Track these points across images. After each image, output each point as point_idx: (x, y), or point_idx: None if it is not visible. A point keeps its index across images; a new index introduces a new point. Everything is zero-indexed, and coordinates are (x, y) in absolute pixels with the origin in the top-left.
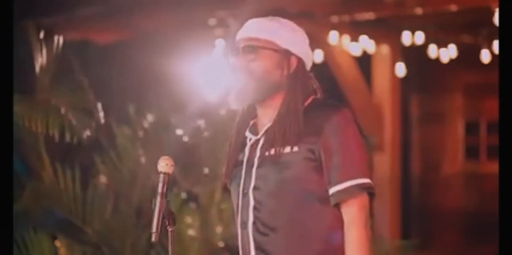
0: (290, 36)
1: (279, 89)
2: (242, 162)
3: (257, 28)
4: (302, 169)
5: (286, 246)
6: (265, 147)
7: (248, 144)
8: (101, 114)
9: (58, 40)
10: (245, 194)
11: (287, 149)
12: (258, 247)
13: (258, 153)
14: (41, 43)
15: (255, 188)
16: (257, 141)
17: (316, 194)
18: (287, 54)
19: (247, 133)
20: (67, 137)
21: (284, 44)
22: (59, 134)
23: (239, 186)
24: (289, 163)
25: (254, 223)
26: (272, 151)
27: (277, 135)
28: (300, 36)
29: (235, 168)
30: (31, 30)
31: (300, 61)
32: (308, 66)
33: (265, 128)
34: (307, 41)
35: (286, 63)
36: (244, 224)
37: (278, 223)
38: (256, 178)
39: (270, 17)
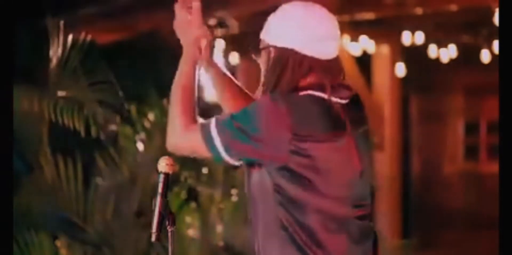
0: (277, 28)
1: None
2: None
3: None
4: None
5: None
6: None
7: None
8: (126, 107)
9: (65, 38)
10: (248, 193)
11: None
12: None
13: None
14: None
15: (248, 187)
16: None
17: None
18: (268, 49)
19: None
20: (93, 131)
21: (269, 40)
22: (85, 129)
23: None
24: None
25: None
26: None
27: None
28: (292, 22)
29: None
30: (34, 28)
31: (277, 51)
32: (305, 49)
33: None
34: (303, 23)
35: (266, 59)
36: (250, 221)
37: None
38: (248, 178)
39: (277, 10)
